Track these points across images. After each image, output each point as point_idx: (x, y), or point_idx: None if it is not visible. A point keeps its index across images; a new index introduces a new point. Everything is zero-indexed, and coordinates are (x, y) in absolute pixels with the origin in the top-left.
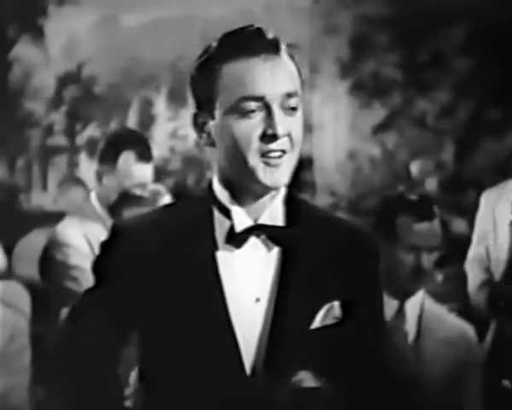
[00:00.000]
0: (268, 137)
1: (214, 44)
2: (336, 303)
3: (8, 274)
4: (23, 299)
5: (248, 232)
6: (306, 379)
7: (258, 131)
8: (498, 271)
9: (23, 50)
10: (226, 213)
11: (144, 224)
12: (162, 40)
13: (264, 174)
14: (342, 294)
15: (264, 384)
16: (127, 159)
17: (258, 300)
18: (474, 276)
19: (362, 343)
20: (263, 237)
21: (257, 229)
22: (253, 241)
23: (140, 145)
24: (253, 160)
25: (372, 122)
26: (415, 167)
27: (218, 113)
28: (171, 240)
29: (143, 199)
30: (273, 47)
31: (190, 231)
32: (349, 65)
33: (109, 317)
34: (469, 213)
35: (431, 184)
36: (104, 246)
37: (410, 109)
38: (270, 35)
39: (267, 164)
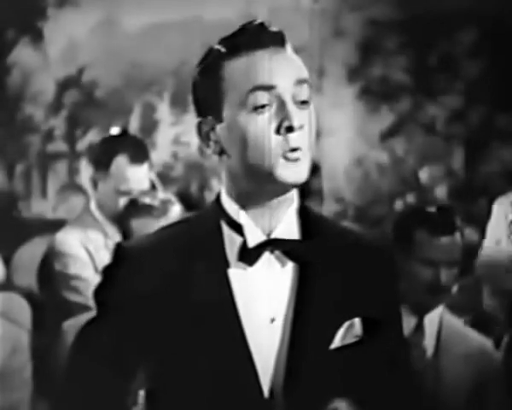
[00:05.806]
0: (284, 130)
1: (216, 46)
2: (357, 321)
3: (8, 285)
4: (24, 312)
5: (261, 248)
6: (342, 408)
7: (273, 125)
8: None
9: (22, 54)
10: (236, 227)
11: (150, 246)
12: (164, 44)
13: (283, 171)
14: (362, 311)
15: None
16: (120, 163)
17: (273, 320)
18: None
19: (384, 363)
20: (277, 252)
21: (270, 244)
22: (267, 257)
23: (133, 148)
24: (271, 156)
25: (380, 127)
26: (424, 174)
27: (226, 113)
28: (179, 261)
29: (153, 208)
30: (278, 40)
31: (199, 250)
32: (357, 69)
33: (115, 350)
34: (480, 221)
35: (440, 192)
36: (107, 272)
37: (419, 115)
38: (273, 28)
39: (286, 159)
